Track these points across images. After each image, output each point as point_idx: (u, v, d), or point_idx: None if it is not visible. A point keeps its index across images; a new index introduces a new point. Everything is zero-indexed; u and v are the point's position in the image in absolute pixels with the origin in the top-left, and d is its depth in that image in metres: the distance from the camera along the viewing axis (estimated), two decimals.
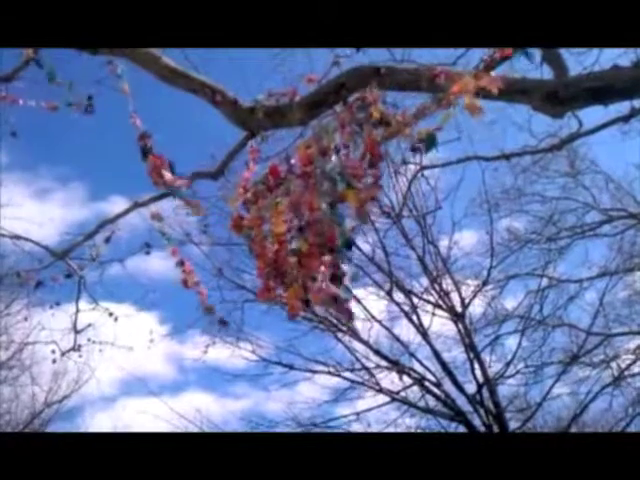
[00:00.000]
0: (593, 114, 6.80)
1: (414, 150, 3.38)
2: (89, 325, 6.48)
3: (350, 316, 3.36)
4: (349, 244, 3.41)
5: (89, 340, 7.00)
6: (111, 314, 6.63)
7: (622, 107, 5.81)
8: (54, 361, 7.25)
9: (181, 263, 5.26)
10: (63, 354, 6.95)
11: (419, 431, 12.68)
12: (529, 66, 4.00)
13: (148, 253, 5.23)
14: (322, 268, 3.36)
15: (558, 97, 3.87)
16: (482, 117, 3.19)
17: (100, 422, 16.79)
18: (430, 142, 3.24)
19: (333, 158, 3.58)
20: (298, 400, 12.89)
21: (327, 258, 3.40)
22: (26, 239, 6.17)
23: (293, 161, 3.73)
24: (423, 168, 6.79)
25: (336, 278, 3.32)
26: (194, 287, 5.25)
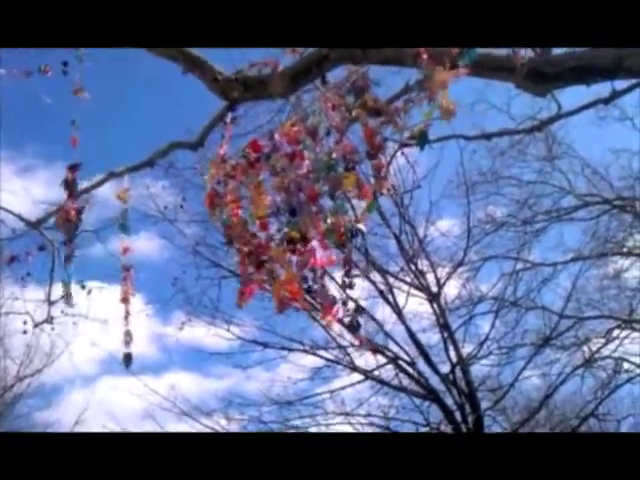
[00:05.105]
0: (573, 99, 6.80)
1: (405, 146, 3.38)
2: (62, 297, 6.35)
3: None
4: (353, 235, 3.33)
5: (62, 312, 6.90)
6: (84, 286, 6.49)
7: (603, 90, 5.82)
8: (25, 332, 7.14)
9: (127, 269, 4.60)
10: (36, 325, 6.85)
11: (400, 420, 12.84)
12: None
13: (122, 226, 5.01)
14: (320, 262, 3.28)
15: (542, 75, 3.87)
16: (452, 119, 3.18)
17: (75, 398, 16.76)
18: (422, 139, 3.24)
19: (324, 142, 3.51)
20: (274, 378, 12.99)
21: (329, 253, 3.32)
22: None
23: (277, 137, 3.66)
24: (403, 146, 6.74)
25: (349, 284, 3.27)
26: (127, 306, 4.61)
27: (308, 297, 3.45)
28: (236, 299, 3.56)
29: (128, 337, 4.53)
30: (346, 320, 3.31)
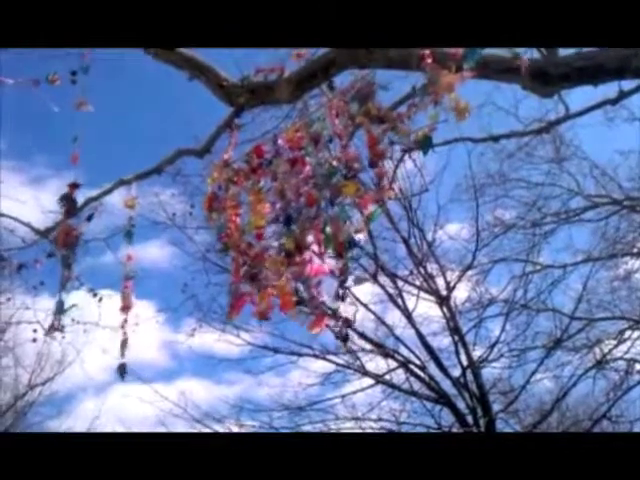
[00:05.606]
0: (580, 100, 6.78)
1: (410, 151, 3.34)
2: (73, 305, 6.37)
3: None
4: (352, 245, 3.29)
5: (73, 320, 6.89)
6: (95, 294, 6.51)
7: (610, 91, 5.80)
8: (34, 340, 7.15)
9: (127, 278, 4.59)
10: (46, 333, 6.84)
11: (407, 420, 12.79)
12: None
13: (129, 233, 5.03)
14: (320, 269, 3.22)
15: (548, 76, 3.86)
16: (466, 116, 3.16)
17: (87, 406, 16.79)
18: (426, 144, 3.23)
19: (328, 148, 3.51)
20: (285, 384, 13.00)
21: (331, 262, 3.28)
22: (6, 216, 6.06)
23: (280, 142, 3.66)
24: (410, 150, 6.74)
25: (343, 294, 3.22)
26: (127, 315, 4.57)
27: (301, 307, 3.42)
28: (227, 313, 3.56)
29: (124, 346, 4.53)
30: (336, 330, 3.27)
